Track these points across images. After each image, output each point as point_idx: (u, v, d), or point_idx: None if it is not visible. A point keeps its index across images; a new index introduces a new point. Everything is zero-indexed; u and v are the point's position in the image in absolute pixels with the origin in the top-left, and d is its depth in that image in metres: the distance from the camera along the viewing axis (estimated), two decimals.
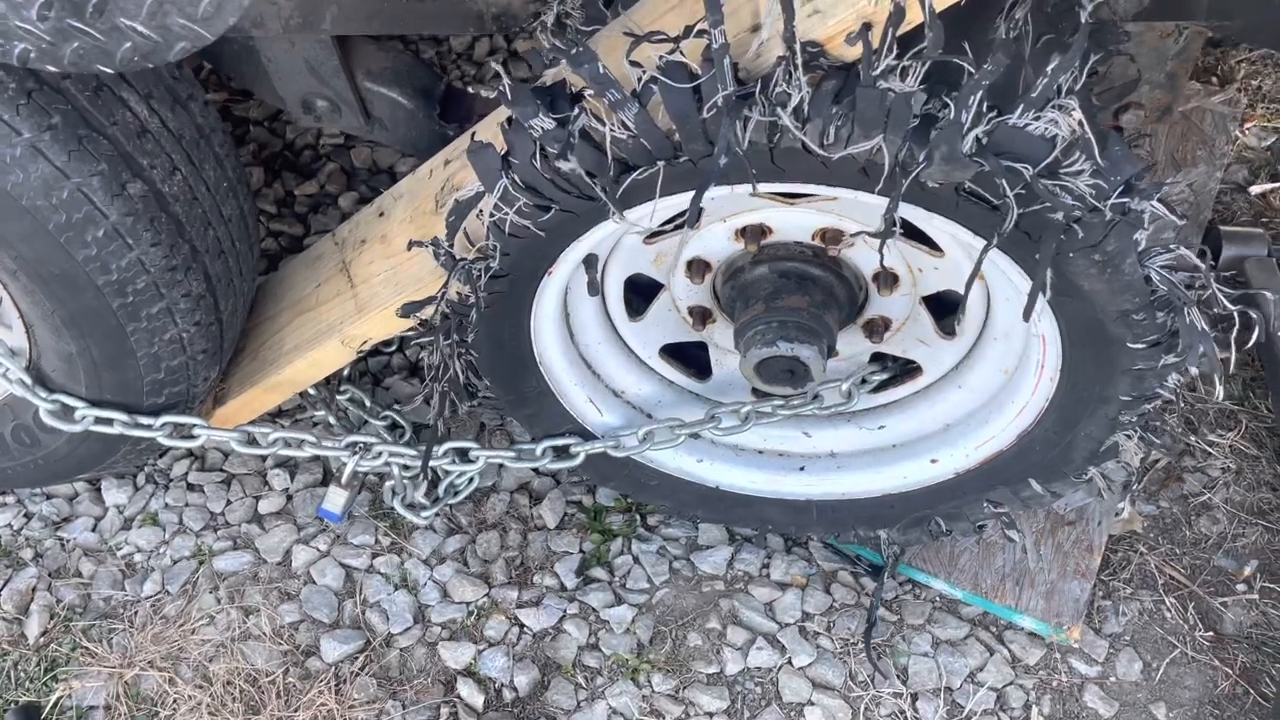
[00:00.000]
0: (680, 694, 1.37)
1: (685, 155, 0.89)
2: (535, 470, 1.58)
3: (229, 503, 1.56)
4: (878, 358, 1.31)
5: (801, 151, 0.87)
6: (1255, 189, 1.86)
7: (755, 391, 1.35)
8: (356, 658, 1.40)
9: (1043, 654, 1.39)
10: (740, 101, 0.84)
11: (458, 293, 1.10)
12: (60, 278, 1.12)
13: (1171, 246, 0.93)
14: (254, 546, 1.51)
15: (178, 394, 1.32)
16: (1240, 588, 1.44)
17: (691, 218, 0.89)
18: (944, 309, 1.22)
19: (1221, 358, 0.98)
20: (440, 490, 1.50)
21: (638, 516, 1.54)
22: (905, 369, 1.31)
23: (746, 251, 1.16)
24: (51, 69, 0.90)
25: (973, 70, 0.82)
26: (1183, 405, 1.58)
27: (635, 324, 1.30)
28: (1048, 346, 1.08)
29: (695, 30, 0.87)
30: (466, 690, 1.36)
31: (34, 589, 1.47)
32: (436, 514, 1.51)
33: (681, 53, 0.87)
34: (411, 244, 1.16)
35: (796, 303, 1.14)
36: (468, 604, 1.45)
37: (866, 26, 0.82)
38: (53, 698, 1.35)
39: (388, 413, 1.57)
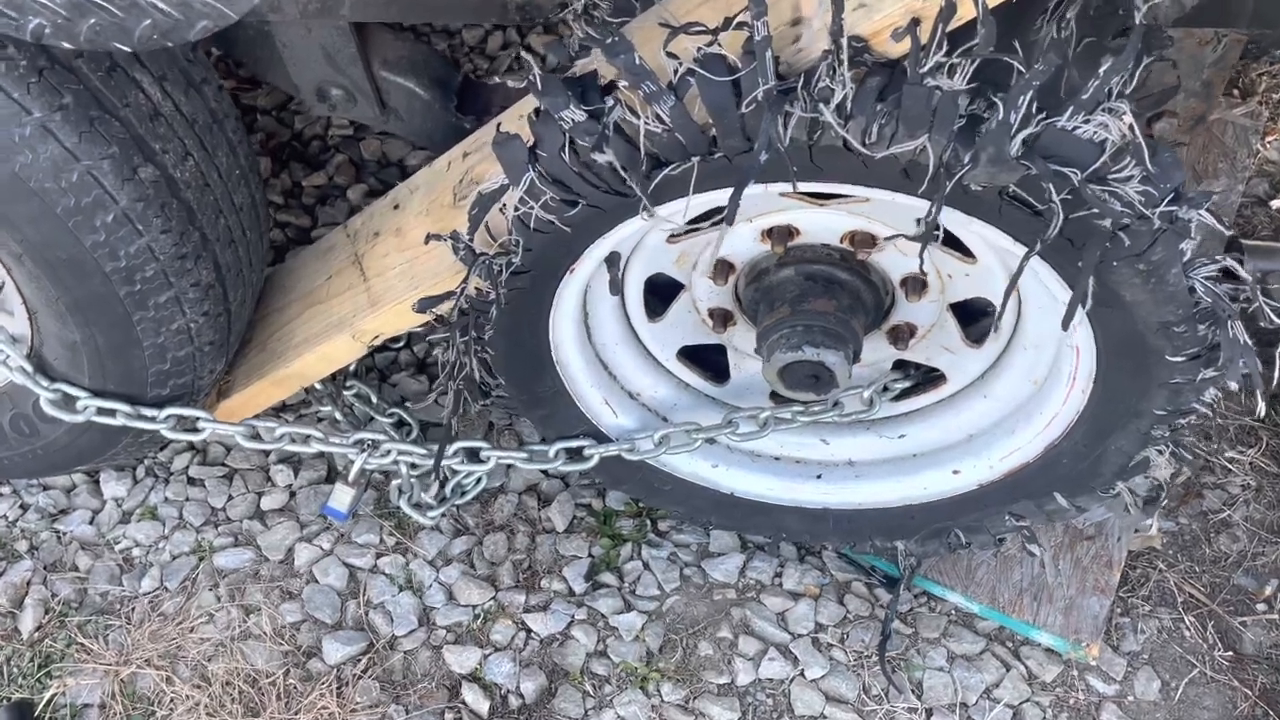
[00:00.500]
0: (690, 704, 1.34)
1: (721, 151, 0.86)
2: (544, 472, 1.55)
3: (230, 498, 1.53)
4: (900, 364, 1.28)
5: (841, 150, 0.85)
6: (1276, 203, 1.84)
7: (774, 396, 1.32)
8: (359, 660, 1.37)
9: (1060, 671, 1.36)
10: (782, 96, 0.81)
11: (477, 288, 1.06)
12: (67, 263, 1.09)
13: (1217, 257, 0.90)
14: (256, 544, 1.48)
15: (183, 386, 1.28)
16: (1260, 607, 1.42)
17: (730, 215, 0.86)
18: (970, 316, 1.20)
19: (1263, 373, 0.95)
20: (447, 490, 1.47)
21: (648, 521, 1.51)
22: (928, 377, 1.28)
23: (773, 253, 1.13)
24: (66, 46, 0.87)
25: (1023, 70, 0.80)
26: (1203, 420, 1.56)
27: (654, 325, 1.27)
28: (1082, 357, 1.06)
29: (735, 22, 0.84)
30: (472, 696, 1.33)
31: (29, 582, 1.43)
32: (443, 514, 1.48)
33: (719, 45, 0.84)
34: (429, 237, 1.13)
35: (823, 307, 1.11)
36: (474, 607, 1.42)
37: (915, 22, 0.79)
38: (46, 695, 1.32)
39: (395, 410, 1.53)
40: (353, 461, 1.36)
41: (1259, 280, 1.47)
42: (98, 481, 1.55)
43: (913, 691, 1.35)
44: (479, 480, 1.49)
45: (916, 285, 1.14)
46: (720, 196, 0.96)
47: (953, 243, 1.07)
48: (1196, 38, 1.48)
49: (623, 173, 0.88)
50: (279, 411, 1.56)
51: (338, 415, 1.49)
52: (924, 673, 1.36)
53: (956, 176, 0.83)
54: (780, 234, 1.11)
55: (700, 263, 1.18)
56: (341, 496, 1.40)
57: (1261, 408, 0.98)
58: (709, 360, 1.34)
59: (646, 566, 1.46)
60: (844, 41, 0.78)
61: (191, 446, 1.58)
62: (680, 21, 0.89)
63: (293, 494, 1.53)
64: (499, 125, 0.99)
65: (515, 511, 1.52)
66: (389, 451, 1.35)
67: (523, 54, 1.00)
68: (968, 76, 0.79)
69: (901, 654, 1.38)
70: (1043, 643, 1.38)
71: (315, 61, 1.32)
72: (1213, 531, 1.49)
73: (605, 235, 1.01)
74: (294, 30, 1.27)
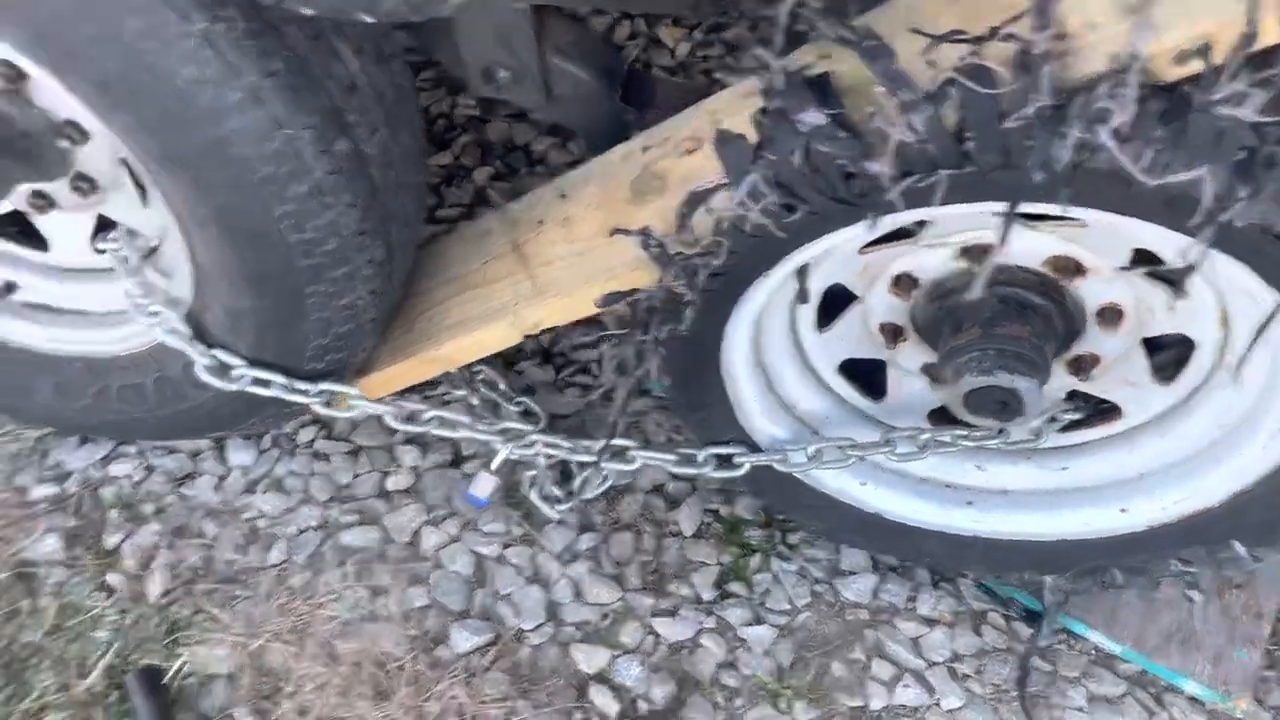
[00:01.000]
0: None
1: (975, 166, 0.83)
2: (672, 474, 1.52)
3: (356, 475, 1.52)
4: (1072, 394, 1.24)
5: (1103, 174, 0.81)
6: None
7: (932, 416, 1.29)
8: (487, 650, 1.35)
9: None
10: (1056, 115, 0.77)
11: (670, 288, 1.03)
12: (253, 232, 1.07)
13: None
14: (382, 524, 1.46)
15: (338, 361, 1.27)
16: None
17: (1004, 235, 0.82)
18: (1155, 348, 1.15)
19: None
20: (574, 485, 1.45)
21: (778, 533, 1.48)
22: (1099, 409, 1.24)
23: (965, 271, 1.10)
24: (306, 10, 0.84)
25: None
26: None
27: (821, 335, 1.24)
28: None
29: (1001, 33, 0.80)
30: (601, 698, 1.31)
31: (156, 546, 1.42)
32: (570, 509, 1.46)
33: (980, 55, 0.81)
34: (615, 231, 1.10)
35: (1017, 331, 1.07)
36: (601, 606, 1.39)
37: (1207, 46, 0.75)
38: (176, 664, 1.31)
39: (522, 399, 1.51)
40: (499, 451, 1.34)
41: None
42: (223, 448, 1.54)
43: None
44: (603, 478, 1.47)
45: (1112, 316, 1.10)
46: (938, 212, 0.93)
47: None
48: None
49: (873, 181, 0.85)
50: (404, 392, 1.54)
51: (475, 400, 1.47)
52: (1063, 712, 1.32)
53: (1229, 211, 0.79)
54: (979, 253, 1.07)
55: (883, 276, 1.14)
56: (484, 484, 1.38)
57: None
58: (864, 376, 1.31)
59: (776, 579, 1.43)
60: (1137, 63, 0.74)
61: (315, 419, 1.57)
62: (926, 25, 0.86)
63: (418, 475, 1.52)
64: (719, 124, 0.96)
65: (641, 511, 1.49)
66: (534, 442, 1.33)
67: (758, 50, 0.96)
68: (1259, 108, 0.75)
69: (1040, 691, 1.34)
70: (1188, 691, 1.33)
71: (488, 42, 1.29)
72: None
73: (814, 242, 0.98)
74: (473, 9, 1.25)
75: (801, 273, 1.09)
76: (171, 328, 1.24)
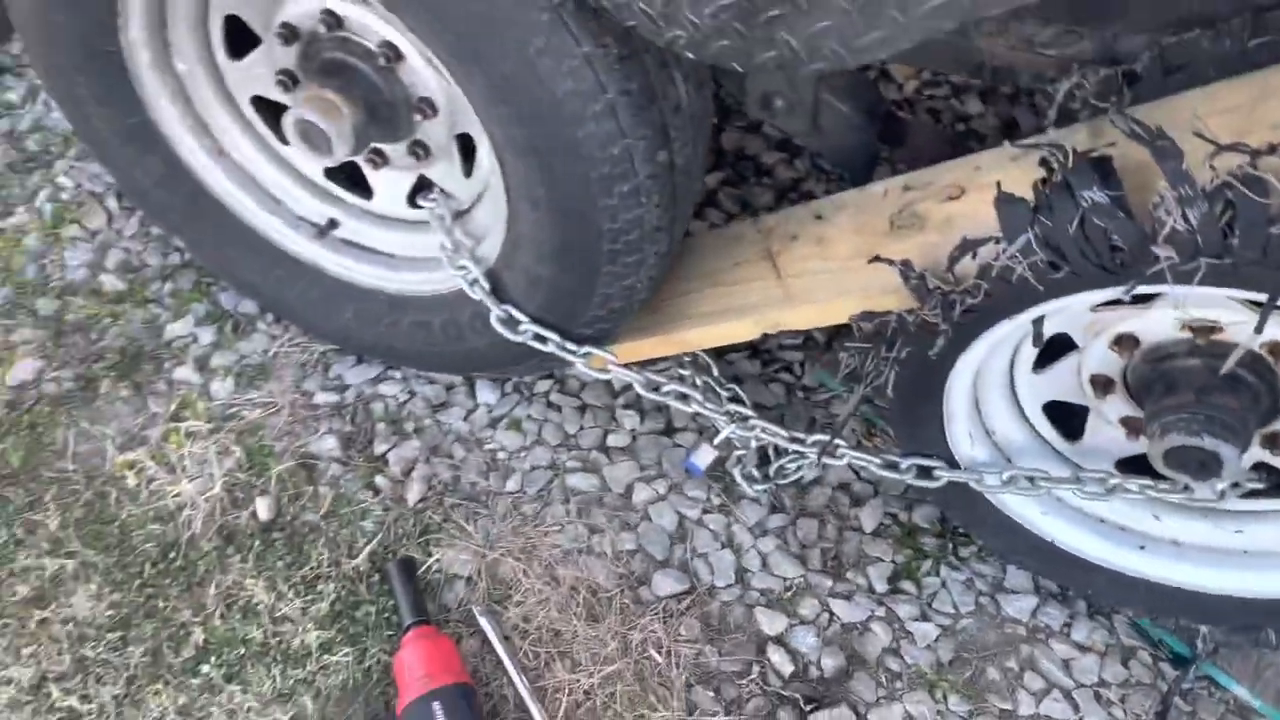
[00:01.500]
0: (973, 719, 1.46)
1: (1233, 258, 0.97)
2: (857, 474, 1.69)
3: (582, 428, 1.73)
4: (1258, 465, 1.35)
5: None
6: None
7: (1120, 465, 1.42)
8: (683, 598, 1.55)
9: None
10: None
11: (925, 318, 1.20)
12: (577, 216, 1.28)
13: None
14: (601, 474, 1.68)
15: (602, 330, 1.48)
16: None
17: (1261, 324, 0.97)
18: None
19: None
20: (772, 470, 1.63)
21: (950, 544, 1.63)
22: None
23: (1186, 341, 1.23)
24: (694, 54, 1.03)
25: None
26: None
27: (1034, 375, 1.38)
28: None
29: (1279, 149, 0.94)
30: (777, 657, 1.50)
31: (415, 459, 1.67)
32: (766, 490, 1.64)
33: (1255, 166, 0.95)
34: (877, 259, 1.27)
35: (1227, 402, 1.20)
36: (785, 579, 1.58)
37: None
38: (429, 561, 1.55)
39: (731, 386, 1.69)
40: (721, 429, 1.53)
41: None
42: (473, 386, 1.77)
43: None
44: (798, 467, 1.64)
45: None
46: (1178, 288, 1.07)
47: None
48: None
49: (1135, 256, 1.00)
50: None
51: (697, 380, 1.66)
52: None
53: None
54: (1204, 329, 1.20)
55: (1106, 332, 1.28)
56: (704, 455, 1.58)
57: None
58: (1062, 418, 1.45)
59: (944, 585, 1.59)
60: None
61: (552, 375, 1.79)
62: (1197, 127, 1.00)
63: (635, 437, 1.73)
64: (999, 184, 1.12)
65: (827, 503, 1.67)
66: (754, 426, 1.52)
67: (1049, 127, 1.12)
68: None
69: None
70: None
71: (774, 75, 1.48)
72: None
73: (1065, 298, 1.13)
74: None
75: (1039, 320, 1.24)
76: (476, 280, 1.47)
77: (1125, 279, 1.05)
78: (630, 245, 1.32)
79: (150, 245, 1.92)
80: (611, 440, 1.72)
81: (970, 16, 0.94)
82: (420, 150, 1.47)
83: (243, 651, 1.45)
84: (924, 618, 1.55)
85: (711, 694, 1.46)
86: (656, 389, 1.53)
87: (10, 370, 1.72)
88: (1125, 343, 1.28)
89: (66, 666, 1.41)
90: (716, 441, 1.57)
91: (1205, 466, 1.21)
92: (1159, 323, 1.24)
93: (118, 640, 1.44)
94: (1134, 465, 1.39)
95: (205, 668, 1.43)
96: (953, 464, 1.44)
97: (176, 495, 1.59)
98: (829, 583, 1.58)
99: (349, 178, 1.63)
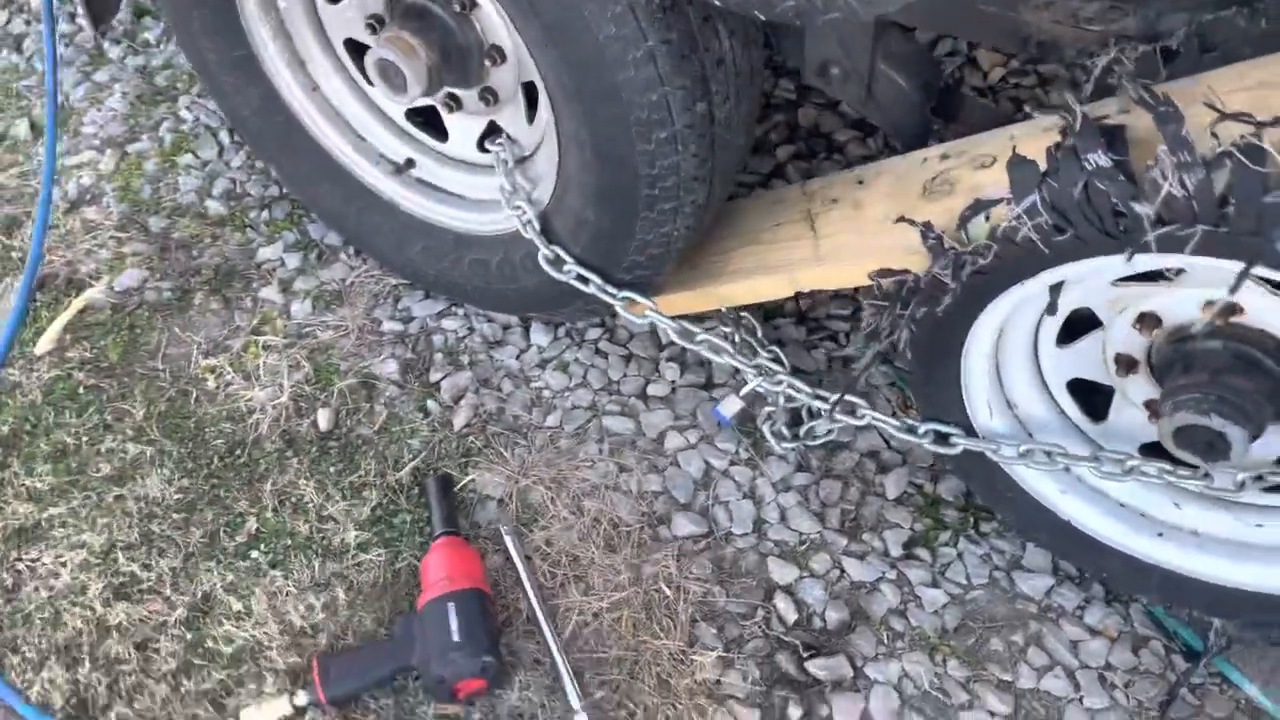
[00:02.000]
0: (969, 685, 1.48)
1: (1228, 227, 0.98)
2: (887, 443, 1.72)
3: (625, 376, 1.81)
4: None
5: None
6: None
7: (1142, 449, 1.41)
8: (699, 540, 1.61)
9: None
10: None
11: (936, 275, 1.24)
12: (617, 160, 1.36)
13: None
14: (637, 419, 1.75)
15: (642, 276, 1.55)
16: None
17: (1235, 286, 0.98)
18: None
19: None
20: (802, 430, 1.67)
21: (972, 518, 1.65)
22: None
23: (1210, 322, 1.22)
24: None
25: None
26: None
27: (1058, 350, 1.39)
28: None
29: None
30: (783, 604, 1.55)
31: (466, 389, 1.78)
32: (794, 449, 1.69)
33: (1259, 137, 0.95)
34: (901, 219, 1.30)
35: (1242, 384, 1.19)
36: (801, 534, 1.62)
37: None
38: (465, 480, 1.66)
39: (773, 348, 1.74)
40: (749, 381, 1.59)
41: None
42: (528, 328, 1.87)
43: None
44: (829, 430, 1.68)
45: None
46: (1195, 262, 1.07)
47: None
48: None
49: (1134, 222, 1.02)
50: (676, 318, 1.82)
51: (737, 338, 1.72)
52: None
53: None
54: (1225, 309, 1.20)
55: (1130, 310, 1.29)
56: (731, 405, 1.64)
57: None
58: (1087, 397, 1.45)
59: (960, 557, 1.61)
60: None
61: (603, 323, 1.87)
62: (1218, 102, 1.01)
63: (674, 389, 1.80)
64: (1014, 147, 1.14)
65: (853, 468, 1.70)
66: (781, 381, 1.57)
67: (1067, 95, 1.14)
68: None
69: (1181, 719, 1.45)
70: None
71: (831, 43, 1.52)
72: None
73: (1072, 264, 1.15)
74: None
75: (1056, 289, 1.25)
76: (529, 221, 1.57)
77: (1126, 245, 1.06)
78: (667, 192, 1.39)
79: (253, 177, 2.09)
80: (651, 389, 1.80)
81: None
82: (490, 96, 1.57)
83: (289, 542, 1.58)
84: (934, 584, 1.57)
85: (714, 630, 1.52)
86: (691, 338, 1.59)
87: (118, 277, 1.91)
88: (1148, 321, 1.28)
89: (134, 538, 1.57)
90: (743, 393, 1.63)
91: (1213, 447, 1.21)
92: (1181, 302, 1.24)
93: (181, 520, 1.60)
94: (1158, 450, 1.39)
95: (254, 553, 1.57)
96: (970, 433, 1.46)
97: (249, 400, 1.74)
98: (844, 541, 1.61)
99: (427, 122, 1.75)
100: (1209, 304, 1.21)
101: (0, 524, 1.58)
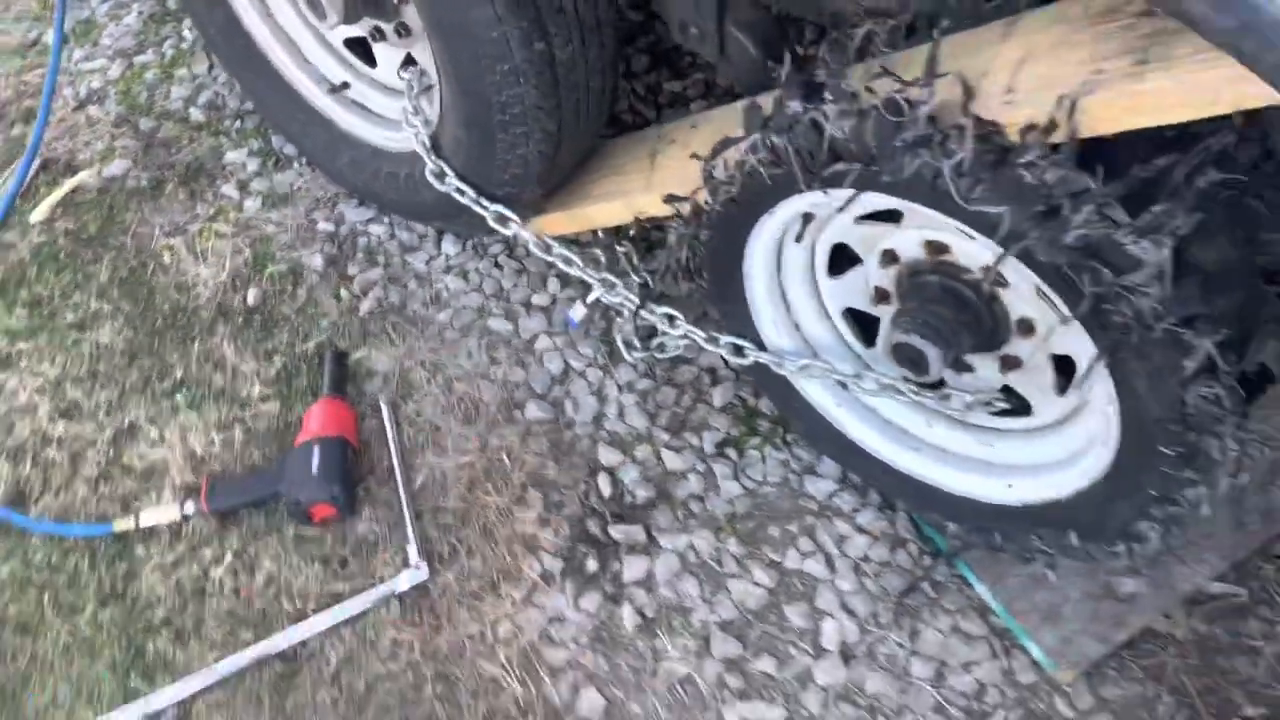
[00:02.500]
0: (743, 561, 1.75)
1: (876, 166, 1.22)
2: (725, 362, 1.98)
3: (514, 286, 2.10)
4: (1009, 390, 1.56)
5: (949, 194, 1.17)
6: None
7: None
8: (545, 424, 1.90)
9: (1035, 680, 1.62)
10: (920, 143, 1.15)
11: (704, 200, 1.49)
12: (473, 89, 1.63)
13: (1215, 384, 1.14)
14: (516, 323, 2.04)
15: (512, 194, 1.83)
16: None
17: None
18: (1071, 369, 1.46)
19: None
20: (652, 344, 1.94)
21: (781, 430, 1.90)
22: (1023, 405, 1.55)
23: (928, 259, 1.46)
24: None
25: (1092, 186, 1.08)
26: None
27: (831, 281, 1.63)
28: (1112, 428, 1.31)
29: (926, 80, 1.18)
30: (603, 481, 1.82)
31: (375, 283, 2.09)
32: (642, 359, 1.96)
33: (903, 93, 1.19)
34: (693, 156, 1.56)
35: (944, 313, 1.43)
36: (632, 428, 1.90)
37: (1031, 126, 1.10)
38: (357, 355, 1.97)
39: (645, 275, 2.01)
40: (594, 291, 1.86)
41: None
42: (441, 239, 2.17)
43: (908, 635, 1.67)
44: (676, 346, 1.94)
45: (1026, 327, 1.42)
46: (910, 207, 1.31)
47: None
48: None
49: (806, 158, 1.26)
50: (573, 242, 2.09)
51: (602, 259, 1.98)
52: (926, 627, 1.68)
53: (1023, 242, 1.13)
54: (936, 247, 1.43)
55: (876, 248, 1.53)
56: (579, 311, 1.91)
57: (1206, 509, 1.20)
58: (861, 323, 1.69)
59: (763, 459, 1.86)
60: (970, 122, 1.11)
61: (506, 242, 2.16)
62: (898, 71, 1.24)
63: (554, 301, 2.07)
64: (753, 100, 1.39)
65: (691, 380, 1.97)
66: (621, 294, 1.83)
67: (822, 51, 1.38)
68: (1058, 177, 1.09)
69: (916, 606, 1.70)
70: (1032, 654, 1.64)
71: (688, 6, 1.76)
72: (1238, 651, 1.64)
73: (794, 198, 1.39)
74: None
75: (809, 222, 1.50)
76: (422, 140, 1.85)
77: (813, 182, 1.31)
78: (515, 119, 1.66)
79: (234, 92, 2.42)
80: (534, 300, 2.08)
81: None
82: (403, 30, 1.86)
83: (205, 391, 1.91)
84: (734, 478, 1.83)
85: (540, 495, 1.81)
86: (549, 250, 1.87)
87: (108, 166, 2.26)
88: (890, 257, 1.52)
89: (82, 374, 1.92)
90: (589, 301, 1.90)
91: (916, 364, 1.45)
92: (909, 241, 1.47)
93: (123, 364, 1.94)
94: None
95: (177, 396, 1.91)
96: (762, 348, 1.71)
97: (195, 275, 2.08)
98: (667, 437, 1.88)
99: (365, 52, 2.05)
100: (928, 243, 1.45)
101: None
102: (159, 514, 1.73)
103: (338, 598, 1.68)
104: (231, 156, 2.29)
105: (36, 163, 2.23)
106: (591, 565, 1.74)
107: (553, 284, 2.09)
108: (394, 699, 1.61)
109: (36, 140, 2.21)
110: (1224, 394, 1.14)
